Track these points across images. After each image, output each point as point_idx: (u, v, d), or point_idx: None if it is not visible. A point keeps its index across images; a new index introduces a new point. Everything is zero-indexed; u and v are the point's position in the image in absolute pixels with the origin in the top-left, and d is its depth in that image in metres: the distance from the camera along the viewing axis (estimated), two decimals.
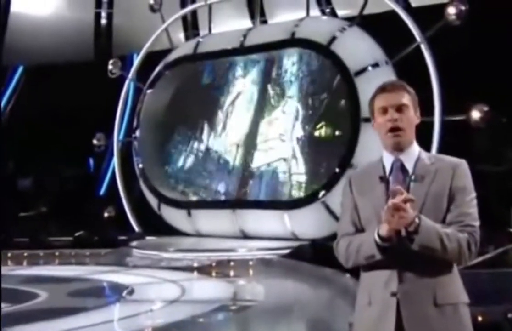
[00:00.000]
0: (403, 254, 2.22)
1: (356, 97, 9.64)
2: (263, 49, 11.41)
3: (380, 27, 10.26)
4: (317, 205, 9.86)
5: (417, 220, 2.18)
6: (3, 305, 5.68)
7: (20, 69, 16.32)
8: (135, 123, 12.55)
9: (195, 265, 9.25)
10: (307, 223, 10.01)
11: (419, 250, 2.20)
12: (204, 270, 8.95)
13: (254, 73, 11.74)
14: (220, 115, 11.96)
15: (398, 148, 2.35)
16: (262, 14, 13.55)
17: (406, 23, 9.85)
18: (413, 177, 2.32)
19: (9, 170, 14.51)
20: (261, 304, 6.88)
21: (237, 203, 11.08)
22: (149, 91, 12.48)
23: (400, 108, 2.35)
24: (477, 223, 2.30)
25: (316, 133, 10.66)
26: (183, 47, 12.92)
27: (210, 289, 8.05)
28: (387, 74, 9.44)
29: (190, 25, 15.06)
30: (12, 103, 16.06)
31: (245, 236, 10.78)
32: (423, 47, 9.61)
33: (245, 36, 11.58)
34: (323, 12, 13.62)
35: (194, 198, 11.90)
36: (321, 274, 7.71)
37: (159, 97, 12.41)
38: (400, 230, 2.21)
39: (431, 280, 2.24)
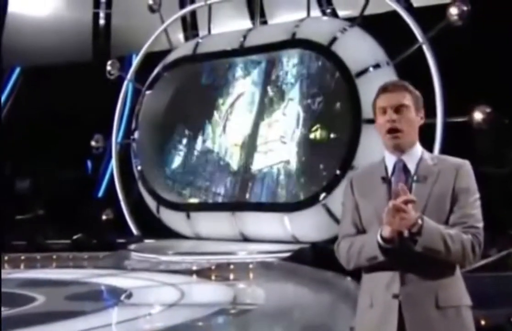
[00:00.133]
0: (406, 255, 2.21)
1: (357, 99, 9.59)
2: (263, 50, 11.35)
3: (381, 27, 10.23)
4: (318, 207, 9.79)
5: (420, 221, 2.16)
6: None
7: (18, 70, 16.30)
8: (133, 125, 12.48)
9: (194, 268, 9.21)
10: (308, 226, 9.94)
11: (422, 252, 2.18)
12: (203, 273, 8.90)
13: (254, 75, 11.69)
14: (220, 117, 11.89)
15: (398, 149, 2.33)
16: (262, 14, 13.52)
17: (407, 24, 9.84)
18: (415, 178, 2.31)
19: (7, 171, 14.42)
20: (261, 307, 6.82)
21: (237, 205, 11.01)
22: (148, 92, 12.42)
23: (399, 109, 2.33)
24: (481, 224, 2.29)
25: (317, 135, 10.59)
26: (183, 48, 12.86)
27: (209, 292, 7.97)
28: (388, 75, 9.38)
29: (190, 26, 15.05)
30: (9, 104, 16.00)
31: (245, 239, 10.72)
32: (425, 48, 9.61)
33: (245, 37, 11.53)
34: (324, 13, 13.60)
35: (193, 200, 11.83)
36: (322, 277, 7.65)
37: (158, 99, 12.34)
38: (403, 231, 2.18)
39: (434, 282, 2.23)
